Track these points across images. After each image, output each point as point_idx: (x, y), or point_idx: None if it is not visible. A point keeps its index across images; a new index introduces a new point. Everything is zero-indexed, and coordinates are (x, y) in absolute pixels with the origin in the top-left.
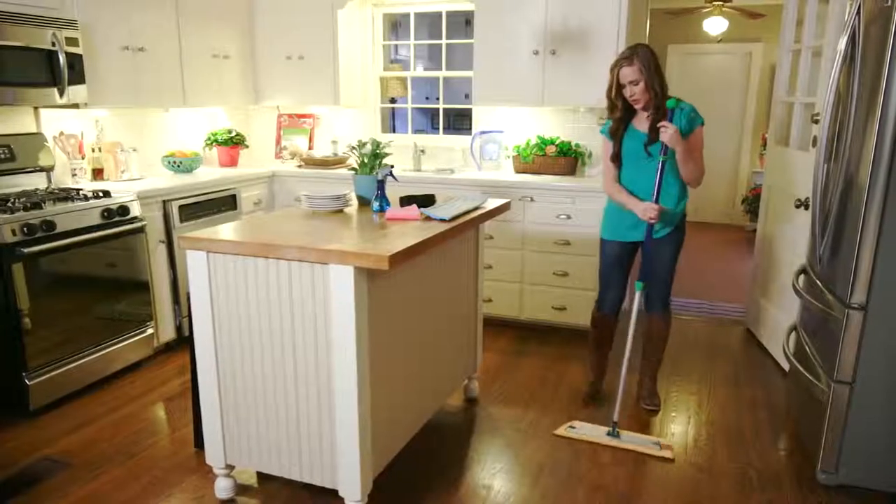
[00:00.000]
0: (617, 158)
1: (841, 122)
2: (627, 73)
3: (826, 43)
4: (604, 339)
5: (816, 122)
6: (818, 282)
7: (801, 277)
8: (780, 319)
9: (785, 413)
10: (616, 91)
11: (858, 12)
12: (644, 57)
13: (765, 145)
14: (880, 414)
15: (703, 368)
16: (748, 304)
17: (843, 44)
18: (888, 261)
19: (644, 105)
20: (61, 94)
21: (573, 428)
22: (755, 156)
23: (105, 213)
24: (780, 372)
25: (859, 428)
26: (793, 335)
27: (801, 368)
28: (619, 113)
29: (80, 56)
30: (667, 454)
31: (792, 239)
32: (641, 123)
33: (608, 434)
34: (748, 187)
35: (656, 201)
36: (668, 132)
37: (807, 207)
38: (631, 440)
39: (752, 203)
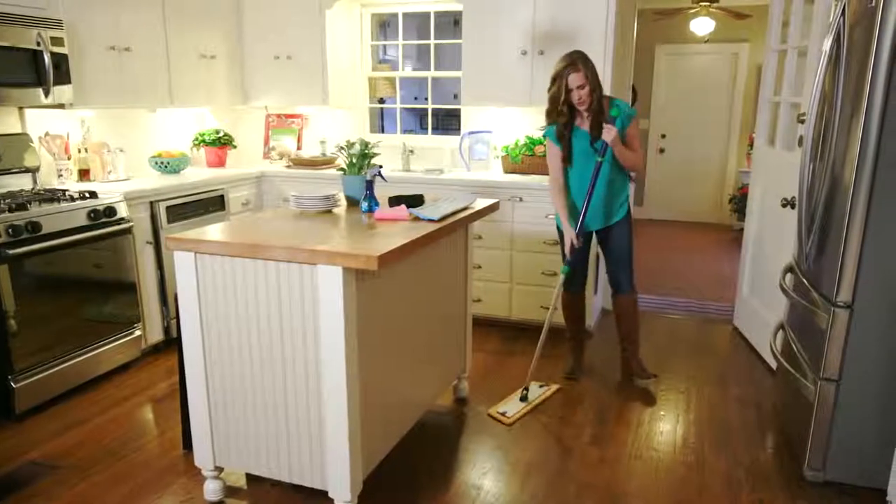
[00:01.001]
0: (568, 160)
1: (826, 121)
2: (575, 79)
3: (811, 43)
4: (576, 315)
5: (802, 121)
6: (804, 280)
7: (788, 276)
8: (767, 318)
9: (772, 411)
10: (564, 97)
11: (843, 13)
12: (587, 63)
13: (752, 145)
14: (866, 411)
15: (692, 367)
16: (736, 303)
17: (828, 44)
18: (873, 259)
19: (588, 107)
20: (46, 95)
21: (504, 414)
22: (742, 155)
23: (92, 214)
24: (768, 370)
25: (846, 425)
26: (780, 333)
27: (788, 366)
28: (565, 118)
29: (65, 56)
30: (553, 388)
31: (779, 238)
32: (584, 123)
33: (521, 399)
34: (735, 187)
35: (589, 199)
36: (610, 133)
37: (793, 206)
38: (534, 394)
39: (740, 202)
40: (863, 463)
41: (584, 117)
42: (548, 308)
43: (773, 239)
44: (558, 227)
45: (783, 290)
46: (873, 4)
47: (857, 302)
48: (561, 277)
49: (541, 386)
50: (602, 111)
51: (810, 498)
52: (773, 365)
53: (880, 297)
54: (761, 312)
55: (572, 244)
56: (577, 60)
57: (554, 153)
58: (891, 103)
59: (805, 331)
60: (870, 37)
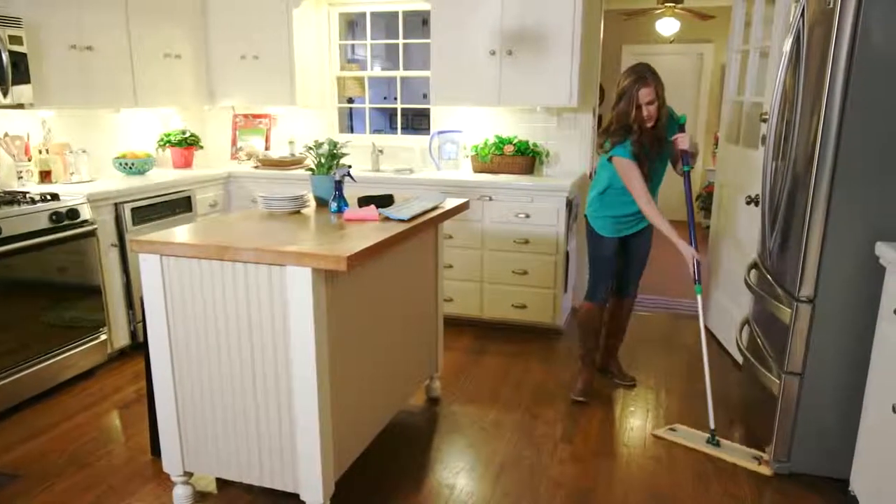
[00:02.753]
0: (647, 176)
1: (788, 121)
2: (645, 95)
3: (773, 44)
4: (598, 329)
5: (765, 121)
6: (768, 276)
7: (753, 272)
8: (733, 313)
9: (739, 405)
10: (635, 115)
11: (803, 14)
12: (656, 76)
13: (717, 143)
14: (829, 403)
15: (661, 363)
16: (703, 299)
17: (788, 45)
18: (834, 255)
19: (655, 123)
20: (5, 94)
21: (674, 430)
22: (708, 154)
23: (53, 217)
24: (735, 365)
25: (809, 417)
26: (745, 329)
27: (753, 361)
28: (636, 135)
29: (24, 55)
30: (764, 470)
31: (744, 235)
32: (642, 136)
33: (708, 442)
34: (702, 185)
35: (691, 216)
36: (686, 140)
37: (757, 204)
38: (731, 451)
39: (706, 200)
40: (826, 454)
41: (642, 132)
42: (519, 307)
43: (738, 236)
44: (592, 231)
45: (748, 285)
46: (831, 6)
47: (819, 297)
48: (588, 287)
49: (749, 454)
50: (664, 127)
51: (776, 489)
52: (740, 359)
53: (842, 292)
54: (728, 308)
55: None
56: (647, 74)
57: (634, 171)
58: (849, 102)
59: (769, 326)
60: (828, 37)
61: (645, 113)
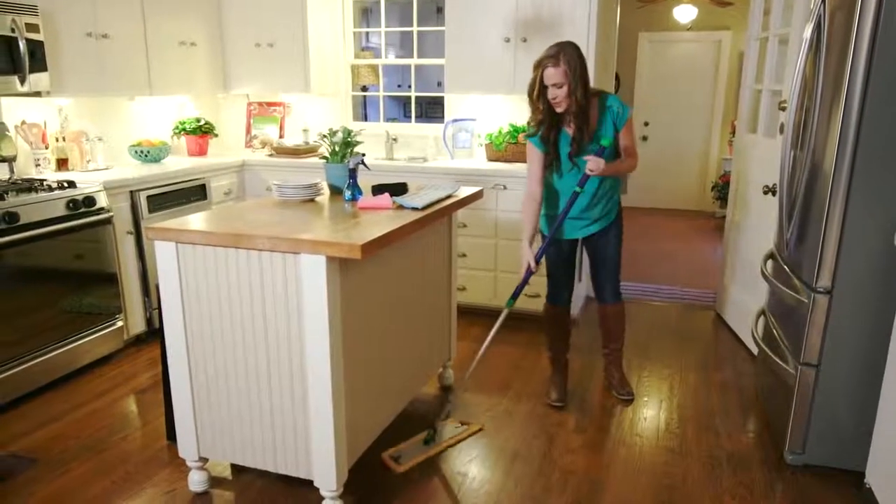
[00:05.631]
0: (555, 167)
1: (807, 109)
2: (551, 75)
3: (792, 31)
4: (562, 332)
5: (783, 109)
6: (785, 267)
7: (769, 263)
8: (748, 304)
9: (754, 396)
10: (539, 92)
11: (823, 1)
12: (570, 59)
13: (734, 132)
14: (845, 395)
15: (674, 353)
16: (718, 290)
17: (808, 32)
18: (853, 246)
19: (565, 109)
20: (22, 82)
21: (397, 459)
22: (724, 143)
23: (70, 204)
24: (749, 356)
25: (825, 409)
26: (761, 319)
27: (769, 352)
28: (541, 115)
29: (41, 43)
30: (475, 427)
31: (760, 225)
32: (569, 127)
33: (425, 443)
34: (718, 174)
35: (559, 225)
36: (598, 165)
37: (774, 194)
38: (447, 434)
39: (722, 190)
40: (841, 446)
41: (569, 121)
42: (532, 296)
43: (754, 226)
44: (540, 232)
45: (764, 276)
46: None
47: (837, 288)
48: (546, 290)
49: (457, 426)
50: (586, 116)
51: (790, 480)
52: (755, 350)
53: (859, 282)
54: (743, 299)
55: (529, 268)
56: (560, 53)
57: (531, 156)
58: (870, 90)
59: (786, 317)
60: (849, 24)
61: (550, 95)
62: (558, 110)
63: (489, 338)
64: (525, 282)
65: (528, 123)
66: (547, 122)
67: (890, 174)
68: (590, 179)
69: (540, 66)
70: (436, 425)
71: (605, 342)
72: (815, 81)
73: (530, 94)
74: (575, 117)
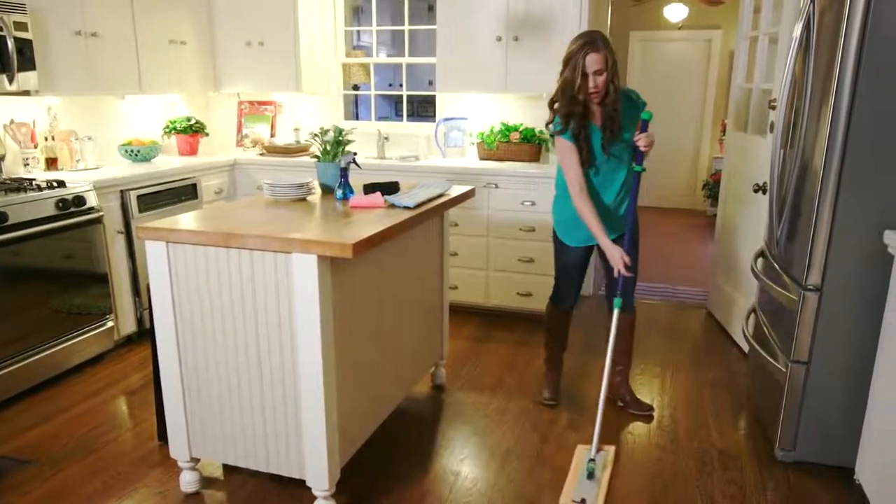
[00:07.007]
0: (588, 162)
1: (797, 108)
2: (595, 60)
3: (782, 30)
4: (563, 335)
5: (773, 108)
6: (775, 265)
7: (760, 260)
8: (739, 302)
9: (744, 393)
10: (580, 83)
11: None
12: (607, 43)
13: (724, 131)
14: (835, 392)
15: (666, 351)
16: (709, 288)
17: (798, 30)
18: (842, 244)
19: (601, 98)
20: (10, 81)
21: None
22: (715, 141)
23: (60, 204)
24: (741, 354)
25: (815, 406)
26: (752, 317)
27: (759, 349)
28: (567, 108)
29: (29, 41)
30: (611, 450)
31: (750, 223)
32: (596, 119)
33: (588, 477)
34: (709, 172)
35: (623, 213)
36: (650, 140)
37: (765, 192)
38: (599, 461)
39: (713, 188)
40: (831, 443)
41: (595, 112)
42: (524, 294)
43: (745, 224)
44: (556, 237)
45: (755, 274)
46: None
47: (827, 285)
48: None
49: (599, 450)
50: (615, 106)
51: (781, 477)
52: (746, 348)
53: (849, 280)
54: (734, 296)
55: (623, 266)
56: (598, 39)
57: (569, 153)
58: (859, 89)
59: (776, 314)
60: (839, 23)
61: (591, 84)
62: (596, 100)
63: (609, 350)
64: (625, 278)
65: (549, 122)
66: (577, 116)
67: (879, 172)
68: (616, 183)
69: (580, 52)
70: (593, 457)
71: (618, 359)
72: (804, 80)
73: (568, 87)
74: (609, 106)
